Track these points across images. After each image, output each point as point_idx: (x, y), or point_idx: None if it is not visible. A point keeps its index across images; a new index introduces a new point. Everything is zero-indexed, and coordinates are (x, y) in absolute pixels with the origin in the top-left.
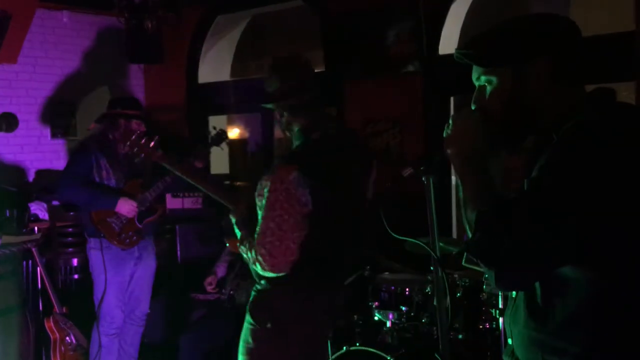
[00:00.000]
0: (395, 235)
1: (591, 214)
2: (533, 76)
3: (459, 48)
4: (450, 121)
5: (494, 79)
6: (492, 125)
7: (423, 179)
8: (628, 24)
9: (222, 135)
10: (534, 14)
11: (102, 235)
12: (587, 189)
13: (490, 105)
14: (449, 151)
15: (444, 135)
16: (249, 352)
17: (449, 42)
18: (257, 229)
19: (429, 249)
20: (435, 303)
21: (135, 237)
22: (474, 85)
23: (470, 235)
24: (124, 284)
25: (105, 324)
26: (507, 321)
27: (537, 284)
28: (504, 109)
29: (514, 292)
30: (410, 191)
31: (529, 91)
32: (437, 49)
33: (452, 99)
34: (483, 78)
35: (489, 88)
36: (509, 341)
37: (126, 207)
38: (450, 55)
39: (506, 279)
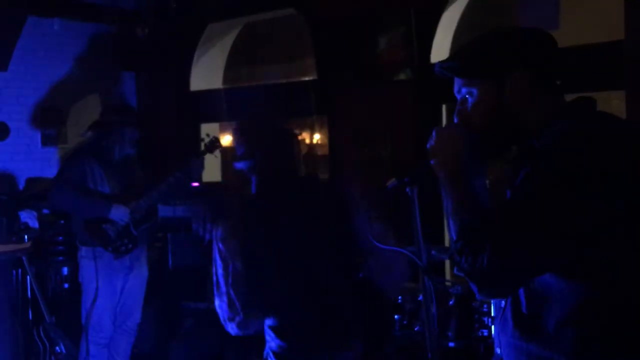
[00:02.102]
0: (378, 245)
1: (568, 225)
2: (512, 87)
3: (440, 62)
4: (434, 132)
5: (474, 90)
6: (475, 136)
7: (407, 189)
8: (617, 32)
9: (216, 142)
10: (512, 27)
11: (95, 243)
12: (563, 202)
13: (473, 116)
14: (432, 162)
15: (428, 146)
16: None
17: (440, 50)
18: None
19: (415, 258)
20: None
21: (130, 245)
22: None
23: (454, 245)
24: (115, 294)
25: (95, 333)
26: (497, 330)
27: (521, 294)
28: (486, 119)
29: (502, 302)
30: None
31: (509, 102)
32: (428, 57)
33: (443, 107)
34: (464, 90)
35: (470, 100)
36: (497, 350)
37: (119, 213)
38: None
39: (487, 288)
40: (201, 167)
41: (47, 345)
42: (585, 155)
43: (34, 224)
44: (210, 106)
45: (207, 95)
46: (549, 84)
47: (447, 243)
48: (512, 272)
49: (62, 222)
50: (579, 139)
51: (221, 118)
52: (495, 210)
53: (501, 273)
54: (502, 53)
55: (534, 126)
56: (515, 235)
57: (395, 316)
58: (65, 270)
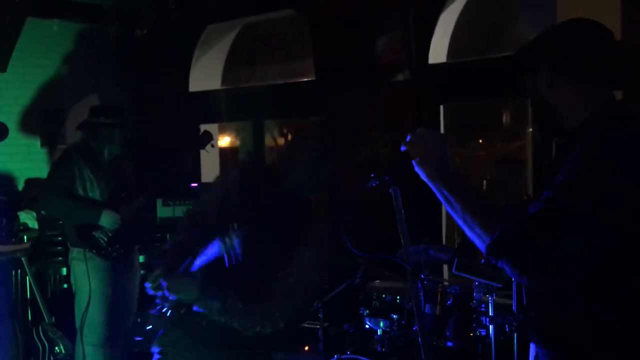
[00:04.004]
0: (359, 254)
1: (608, 219)
2: (546, 80)
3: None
4: (411, 138)
5: (529, 81)
6: (539, 119)
7: (390, 190)
8: (615, 33)
9: (208, 137)
10: (562, 23)
11: (86, 247)
12: (603, 199)
13: (532, 102)
14: (425, 178)
15: (403, 148)
16: None
17: (438, 51)
18: None
19: (402, 262)
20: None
21: (121, 250)
22: (463, 94)
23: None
24: (108, 295)
25: (89, 335)
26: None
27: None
28: (536, 106)
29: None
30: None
31: (547, 92)
32: (426, 58)
33: (442, 107)
34: (527, 81)
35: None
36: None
37: (109, 220)
38: (439, 64)
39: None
40: (192, 163)
41: (47, 345)
42: (617, 170)
43: (33, 224)
44: (209, 107)
45: (206, 96)
46: (582, 80)
47: (444, 242)
48: (555, 275)
49: (61, 222)
50: (613, 145)
51: (220, 119)
52: (532, 219)
53: (545, 277)
54: (536, 48)
55: (572, 117)
56: (554, 246)
57: (393, 315)
58: (64, 270)
